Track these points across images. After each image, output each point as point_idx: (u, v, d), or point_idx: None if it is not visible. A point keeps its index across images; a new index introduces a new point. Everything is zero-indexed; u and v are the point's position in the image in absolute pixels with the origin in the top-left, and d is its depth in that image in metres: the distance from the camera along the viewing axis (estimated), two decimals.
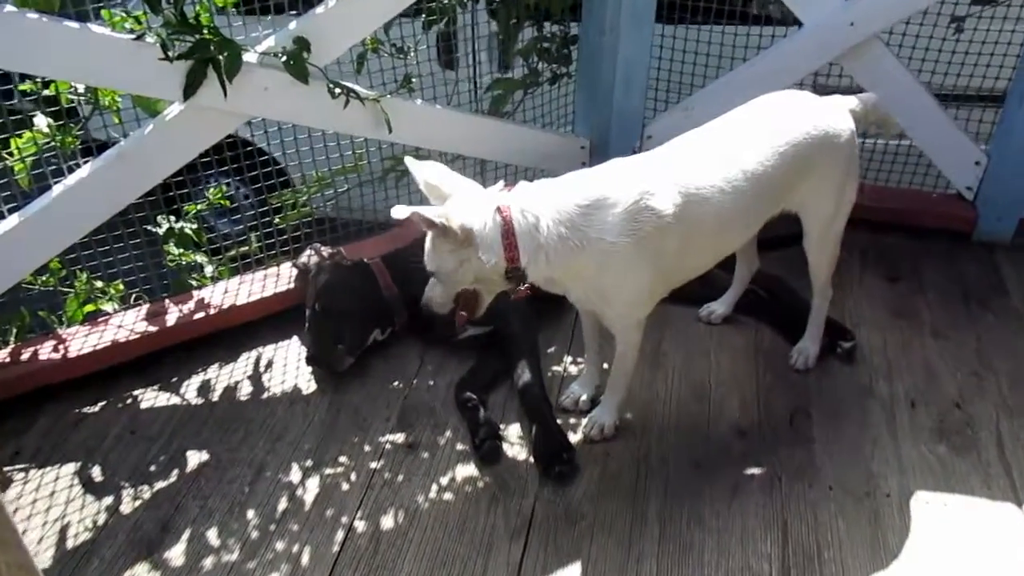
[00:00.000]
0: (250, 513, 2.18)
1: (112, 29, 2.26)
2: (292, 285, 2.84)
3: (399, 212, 1.89)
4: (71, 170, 2.43)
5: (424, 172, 2.04)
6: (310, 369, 2.65)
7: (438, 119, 2.88)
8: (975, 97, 3.24)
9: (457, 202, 1.99)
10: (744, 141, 2.16)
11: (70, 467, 2.32)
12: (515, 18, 2.86)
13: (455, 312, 2.14)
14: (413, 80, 2.79)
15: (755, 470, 2.30)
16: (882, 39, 2.98)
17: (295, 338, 2.80)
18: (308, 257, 2.80)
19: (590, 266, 2.01)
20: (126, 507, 2.20)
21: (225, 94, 2.36)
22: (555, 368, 2.66)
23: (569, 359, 2.70)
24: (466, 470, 2.31)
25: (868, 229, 3.14)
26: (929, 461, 2.32)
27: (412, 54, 2.83)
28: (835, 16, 2.92)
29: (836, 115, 2.26)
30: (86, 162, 2.43)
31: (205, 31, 2.30)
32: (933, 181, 3.32)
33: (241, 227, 3.31)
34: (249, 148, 2.76)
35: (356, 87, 2.58)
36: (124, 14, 2.28)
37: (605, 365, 2.54)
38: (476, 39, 3.07)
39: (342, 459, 2.35)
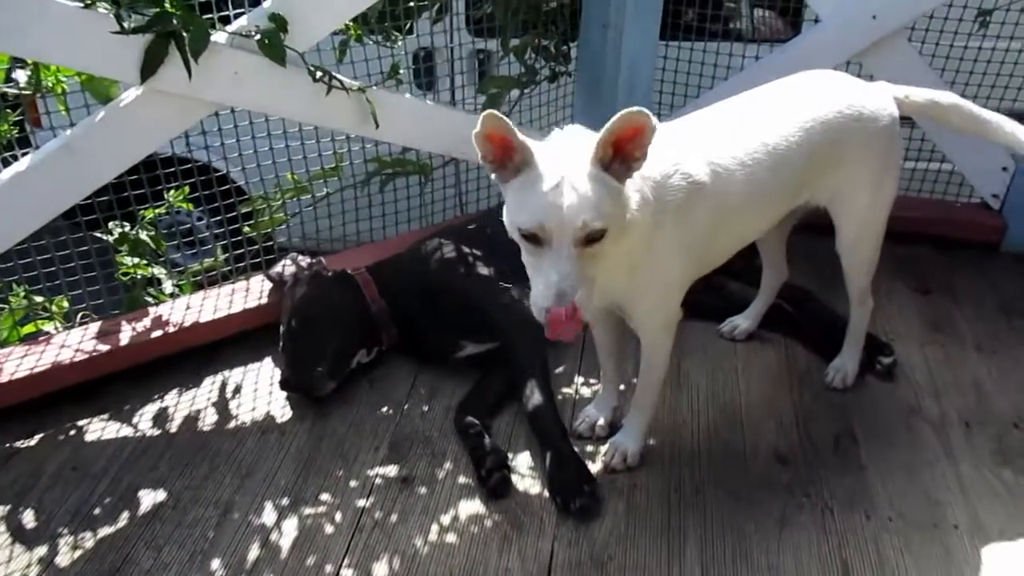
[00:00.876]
0: (215, 563, 1.83)
1: None
2: (264, 300, 2.51)
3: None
4: (7, 163, 2.11)
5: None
6: (285, 395, 2.31)
7: (429, 116, 2.59)
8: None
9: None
10: (769, 114, 1.93)
11: None
12: (514, 9, 2.60)
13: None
14: (401, 72, 2.50)
15: (803, 500, 2.01)
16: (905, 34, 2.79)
17: (267, 360, 2.46)
18: (283, 267, 2.48)
19: (641, 238, 1.70)
20: (63, 559, 1.83)
21: (190, 75, 2.05)
22: (565, 390, 2.36)
23: (580, 379, 2.40)
24: (471, 507, 1.98)
25: (890, 239, 2.90)
26: (995, 487, 2.05)
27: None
28: (856, 9, 2.72)
29: (876, 97, 2.02)
30: (25, 154, 2.10)
31: (167, 2, 2.00)
32: (955, 190, 3.12)
33: (200, 258, 2.95)
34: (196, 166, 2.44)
35: (339, 76, 2.30)
36: None
37: (622, 387, 2.25)
38: (455, 59, 2.82)
39: (324, 497, 2.00)
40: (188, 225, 3.47)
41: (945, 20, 2.79)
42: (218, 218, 2.50)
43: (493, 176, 1.60)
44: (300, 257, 2.50)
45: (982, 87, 2.91)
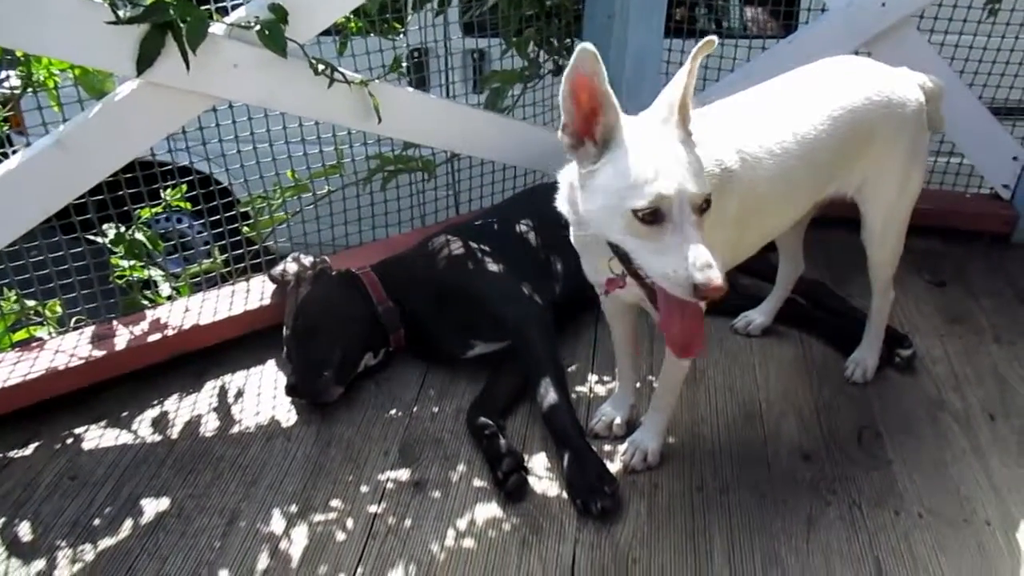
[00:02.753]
0: (222, 574, 1.74)
1: None
2: (266, 301, 2.42)
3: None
4: None
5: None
6: (291, 399, 2.22)
7: (433, 110, 2.52)
8: (1004, 110, 3.01)
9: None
10: (798, 103, 1.87)
11: None
12: (518, 1, 2.54)
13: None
14: (403, 65, 2.43)
15: (829, 497, 1.95)
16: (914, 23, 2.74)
17: (270, 362, 2.38)
18: (286, 267, 2.40)
19: None
20: (62, 572, 1.74)
21: (188, 67, 1.97)
22: (579, 388, 2.28)
23: (594, 377, 2.32)
24: (488, 510, 1.90)
25: None
26: None
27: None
28: None
29: (903, 83, 1.97)
30: (15, 151, 2.02)
31: None
32: (965, 181, 3.07)
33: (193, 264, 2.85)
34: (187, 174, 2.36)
35: (341, 69, 2.23)
36: None
37: (638, 384, 2.18)
38: (449, 57, 2.74)
39: (334, 503, 1.92)
40: (180, 228, 3.39)
41: (954, 8, 2.75)
42: (215, 218, 2.41)
43: (570, 157, 1.53)
44: (303, 256, 2.42)
45: (992, 76, 2.87)
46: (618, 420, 2.11)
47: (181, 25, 1.95)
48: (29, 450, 2.07)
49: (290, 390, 2.17)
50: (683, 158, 1.45)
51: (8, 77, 2.04)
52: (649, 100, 2.85)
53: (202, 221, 2.44)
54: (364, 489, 1.96)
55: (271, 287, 2.44)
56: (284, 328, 2.29)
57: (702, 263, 1.39)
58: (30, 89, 2.03)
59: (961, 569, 1.77)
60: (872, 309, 2.26)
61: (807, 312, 2.52)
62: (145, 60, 1.95)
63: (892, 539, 1.84)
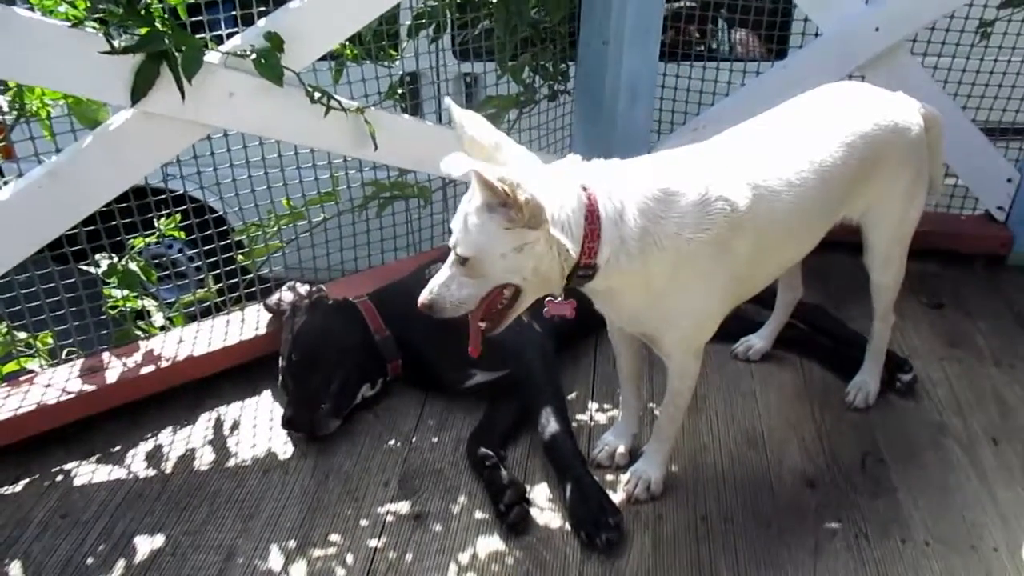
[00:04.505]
0: None
1: (43, 14, 1.85)
2: (261, 331, 2.39)
3: (453, 164, 1.45)
4: None
5: (466, 121, 1.58)
6: (287, 431, 2.19)
7: (428, 136, 2.50)
8: (997, 130, 3.02)
9: (526, 170, 1.54)
10: (808, 131, 1.85)
11: None
12: (514, 24, 2.53)
13: (472, 322, 1.66)
14: (399, 92, 2.42)
15: (835, 525, 1.93)
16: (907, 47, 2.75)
17: (266, 393, 2.35)
18: (282, 296, 2.37)
19: (663, 271, 1.63)
20: None
21: (183, 96, 1.95)
22: (579, 417, 2.26)
23: (595, 405, 2.30)
24: (490, 543, 1.87)
25: None
26: None
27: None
28: (858, 21, 2.69)
29: (904, 108, 1.97)
30: (7, 182, 1.99)
31: (158, 21, 1.91)
32: (959, 204, 3.08)
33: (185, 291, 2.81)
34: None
35: (337, 96, 2.21)
36: None
37: (640, 412, 2.16)
38: (444, 84, 2.73)
39: (333, 537, 1.89)
40: (173, 257, 3.36)
41: (947, 32, 2.76)
42: (209, 246, 2.38)
43: None
44: (299, 285, 2.39)
45: (984, 99, 2.89)
46: (621, 449, 2.08)
47: (176, 55, 1.93)
48: (19, 487, 2.03)
49: (286, 423, 2.14)
50: (464, 212, 1.55)
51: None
52: (643, 124, 2.87)
53: (196, 251, 2.40)
54: (364, 523, 1.93)
55: (266, 316, 2.41)
56: (280, 358, 2.26)
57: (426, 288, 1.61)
58: (22, 119, 2.00)
59: None
60: (873, 333, 2.25)
61: (806, 337, 2.51)
62: (140, 90, 1.94)
63: (900, 569, 1.82)
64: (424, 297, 1.61)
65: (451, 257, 1.60)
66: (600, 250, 1.56)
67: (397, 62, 2.56)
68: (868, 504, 1.98)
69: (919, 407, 2.30)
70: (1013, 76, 2.84)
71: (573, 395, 2.33)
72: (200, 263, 2.41)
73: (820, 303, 2.57)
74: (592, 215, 1.55)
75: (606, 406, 2.29)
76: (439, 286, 1.60)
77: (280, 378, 2.25)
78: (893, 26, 2.67)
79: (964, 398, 2.34)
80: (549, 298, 1.73)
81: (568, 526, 1.90)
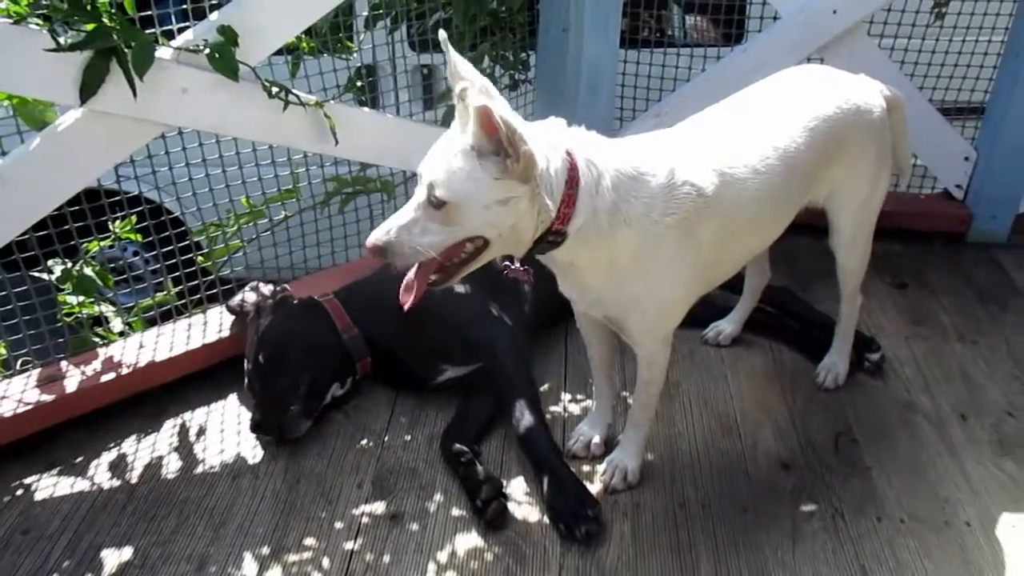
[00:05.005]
0: None
1: None
2: (225, 333, 2.33)
3: (471, 94, 1.38)
4: None
5: (459, 64, 1.46)
6: (255, 435, 2.14)
7: (390, 129, 2.46)
8: (953, 110, 3.06)
9: (520, 122, 1.47)
10: (771, 116, 1.85)
11: None
12: (473, 13, 2.49)
13: (421, 272, 1.57)
14: (359, 84, 2.37)
15: (811, 507, 1.94)
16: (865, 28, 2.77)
17: (232, 397, 2.29)
18: (245, 297, 2.31)
19: (627, 251, 1.61)
20: None
21: (135, 94, 1.88)
22: (553, 408, 2.24)
23: (568, 396, 2.28)
24: (468, 540, 1.85)
25: None
26: (1000, 480, 2.02)
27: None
28: (816, 3, 2.70)
29: (866, 90, 1.98)
30: None
31: (105, 17, 1.84)
32: (918, 183, 3.12)
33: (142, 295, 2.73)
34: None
35: (295, 91, 2.16)
36: None
37: (614, 401, 2.15)
38: (398, 75, 2.67)
39: (308, 541, 1.85)
40: (129, 260, 3.27)
41: (903, 13, 2.79)
42: (168, 248, 2.32)
43: None
44: (262, 285, 2.33)
45: (941, 79, 2.92)
46: (596, 440, 2.07)
47: (126, 51, 1.86)
48: None
49: (255, 427, 2.09)
50: (447, 154, 1.47)
51: None
52: (605, 112, 2.86)
53: (153, 253, 2.33)
54: (339, 525, 1.89)
55: (229, 318, 2.35)
56: (245, 361, 2.21)
57: (381, 228, 1.50)
58: None
59: (946, 572, 1.77)
60: (841, 314, 2.27)
61: (775, 320, 2.52)
62: (89, 88, 1.87)
63: (876, 546, 1.83)
64: (378, 237, 1.49)
65: (418, 198, 1.50)
66: (573, 218, 1.53)
67: (355, 55, 2.50)
68: (843, 484, 2.00)
69: (888, 386, 2.33)
70: (968, 56, 2.88)
71: (545, 387, 2.31)
72: (158, 266, 2.32)
73: (787, 286, 2.58)
74: (572, 181, 1.51)
75: (579, 397, 2.27)
76: (398, 228, 1.48)
77: (247, 381, 2.20)
78: (850, 8, 2.69)
79: (931, 375, 2.37)
80: (507, 262, 1.70)
81: (547, 519, 1.88)
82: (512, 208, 1.47)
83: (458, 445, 2.01)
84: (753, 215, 1.78)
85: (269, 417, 2.08)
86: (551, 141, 1.52)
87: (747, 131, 1.80)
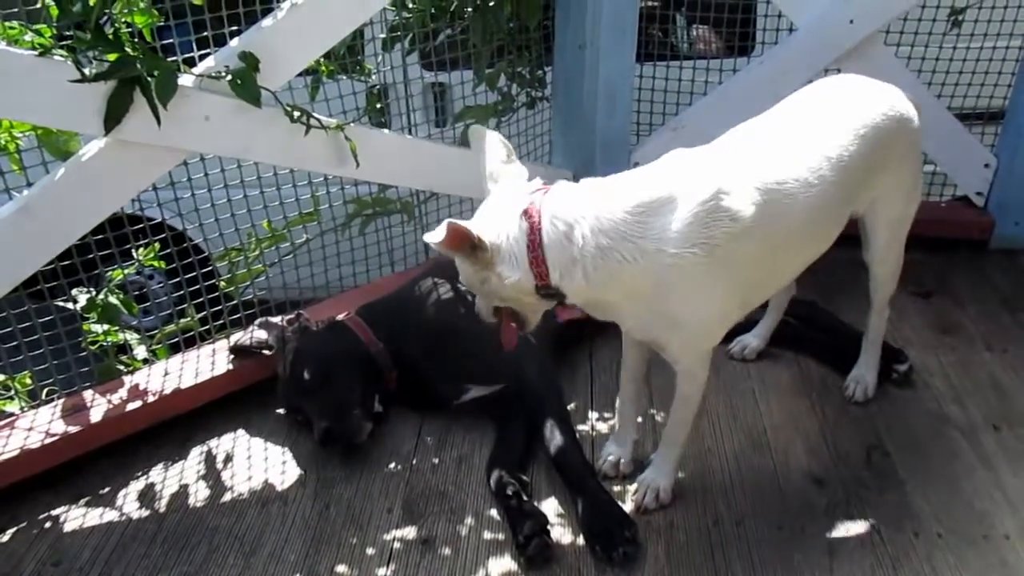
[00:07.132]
0: None
1: (7, 43, 1.78)
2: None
3: (435, 235, 1.56)
4: None
5: (489, 143, 1.76)
6: (283, 461, 2.13)
7: (410, 151, 2.46)
8: (972, 116, 3.04)
9: (484, 207, 1.67)
10: (818, 127, 1.82)
11: None
12: (490, 33, 2.49)
13: (504, 321, 1.80)
14: (379, 105, 2.37)
15: (847, 524, 1.91)
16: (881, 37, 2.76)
17: (258, 423, 2.28)
18: (251, 336, 2.30)
19: (645, 284, 1.61)
20: None
21: (159, 122, 1.89)
22: (580, 427, 2.22)
23: (595, 415, 2.27)
24: (501, 565, 1.83)
25: None
26: None
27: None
28: (832, 14, 2.69)
29: (903, 99, 1.96)
30: None
31: (127, 46, 1.84)
32: (939, 191, 3.10)
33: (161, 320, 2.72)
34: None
35: (315, 114, 2.16)
36: (22, 25, 1.80)
37: (639, 418, 2.13)
38: (410, 96, 2.67)
39: (340, 568, 1.83)
40: (152, 287, 3.27)
41: (919, 22, 2.78)
42: (191, 275, 2.31)
43: None
44: (270, 319, 2.32)
45: (959, 86, 2.91)
46: (624, 459, 2.05)
47: (149, 80, 1.87)
48: (6, 536, 1.95)
49: (325, 435, 2.06)
50: None
51: None
52: (622, 127, 2.84)
53: (175, 280, 2.32)
54: (370, 551, 1.87)
55: (232, 357, 2.33)
56: (279, 386, 2.21)
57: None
58: None
59: None
60: (869, 326, 2.25)
61: (801, 333, 2.50)
62: (113, 118, 1.87)
63: (915, 563, 1.80)
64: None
65: None
66: (550, 272, 1.61)
67: (374, 76, 2.50)
68: (877, 498, 1.97)
69: (917, 397, 2.30)
70: (985, 62, 2.87)
71: (572, 406, 2.28)
72: (181, 292, 2.32)
73: (812, 298, 2.56)
74: (535, 241, 1.60)
75: (607, 415, 2.25)
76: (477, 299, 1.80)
77: (286, 405, 2.21)
78: (867, 18, 2.68)
79: (961, 385, 2.34)
80: (559, 306, 1.75)
81: (581, 540, 1.86)
82: (493, 284, 1.66)
83: (503, 475, 1.97)
84: (803, 231, 1.76)
85: (338, 422, 2.07)
86: (507, 209, 1.63)
87: (794, 143, 1.78)
